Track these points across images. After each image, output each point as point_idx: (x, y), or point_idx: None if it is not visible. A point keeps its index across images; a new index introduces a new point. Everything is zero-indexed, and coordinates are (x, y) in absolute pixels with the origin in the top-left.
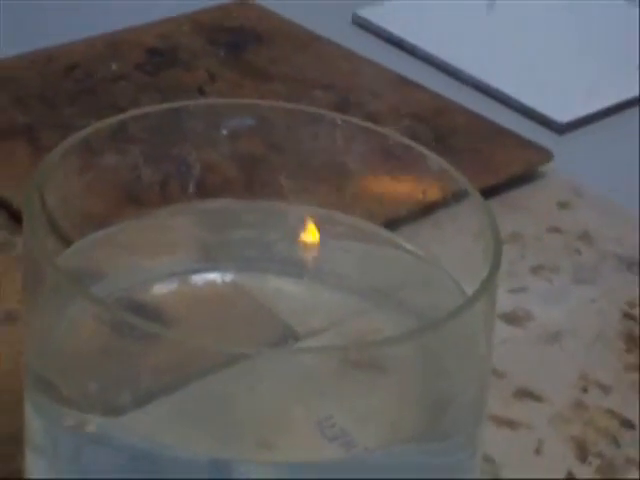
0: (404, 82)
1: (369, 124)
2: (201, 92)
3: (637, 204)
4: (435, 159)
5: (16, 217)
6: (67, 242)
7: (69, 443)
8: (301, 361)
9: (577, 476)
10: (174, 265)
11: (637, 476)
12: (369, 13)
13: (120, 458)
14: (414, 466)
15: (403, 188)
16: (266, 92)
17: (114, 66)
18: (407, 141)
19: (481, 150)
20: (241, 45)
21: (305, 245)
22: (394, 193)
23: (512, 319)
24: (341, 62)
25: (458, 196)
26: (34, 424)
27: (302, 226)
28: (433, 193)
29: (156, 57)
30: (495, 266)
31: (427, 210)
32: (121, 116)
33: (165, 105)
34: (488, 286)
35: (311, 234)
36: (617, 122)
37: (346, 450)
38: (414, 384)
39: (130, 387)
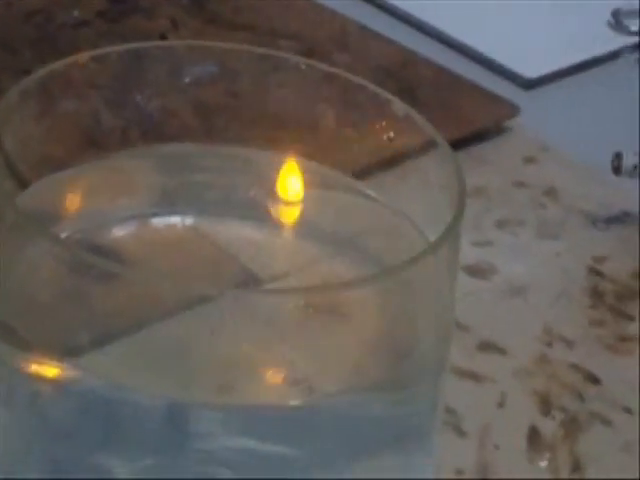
0: (370, 34)
1: (334, 69)
2: (163, 39)
3: (603, 161)
4: (402, 107)
5: None
6: (25, 184)
7: (27, 388)
8: (262, 303)
9: (540, 430)
10: (133, 208)
11: (601, 430)
12: None
13: (78, 401)
14: (374, 413)
15: (369, 136)
16: (230, 41)
17: (75, 12)
18: (374, 87)
19: (448, 103)
20: None
21: (267, 191)
22: (359, 141)
23: (476, 272)
24: (307, 13)
25: (425, 146)
26: None
27: (264, 172)
28: (400, 142)
29: (118, 4)
30: (459, 214)
31: (394, 159)
32: (78, 56)
33: (125, 46)
34: (451, 233)
35: (273, 180)
36: (585, 79)
37: (307, 395)
38: (375, 330)
39: (89, 329)
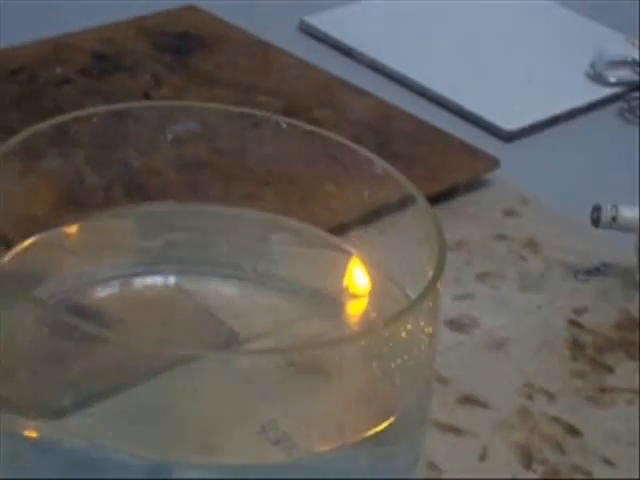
0: (350, 89)
1: (314, 127)
2: (147, 97)
3: (582, 212)
4: (381, 164)
5: None
6: (8, 244)
7: (8, 446)
8: (243, 363)
9: None
10: (116, 268)
11: None
12: (316, 20)
13: (60, 461)
14: (356, 470)
15: (348, 193)
16: (212, 97)
17: (59, 70)
18: (353, 145)
19: (427, 157)
20: (187, 50)
21: (248, 249)
22: (339, 198)
23: (458, 326)
24: (287, 68)
25: (404, 201)
26: None
27: (246, 231)
28: (379, 198)
29: (101, 62)
30: (439, 270)
31: (373, 215)
32: (62, 117)
33: (108, 106)
34: (430, 290)
35: (255, 239)
36: (563, 131)
37: (288, 454)
38: (357, 388)
39: (71, 390)
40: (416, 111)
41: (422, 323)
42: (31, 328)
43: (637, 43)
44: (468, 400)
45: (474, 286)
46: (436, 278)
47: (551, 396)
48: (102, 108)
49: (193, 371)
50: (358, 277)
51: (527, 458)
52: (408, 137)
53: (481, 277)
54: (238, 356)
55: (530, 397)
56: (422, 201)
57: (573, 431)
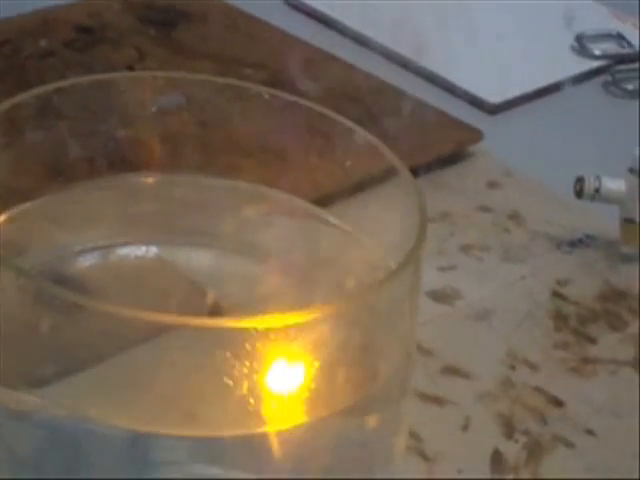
0: (335, 61)
1: (297, 98)
2: (131, 70)
3: (566, 184)
4: (364, 135)
5: None
6: None
7: None
8: (225, 332)
9: (504, 453)
10: (98, 239)
11: (564, 453)
12: None
13: (41, 432)
14: (338, 439)
15: (331, 165)
16: (196, 70)
17: (43, 43)
18: (336, 116)
19: (411, 129)
20: (171, 24)
21: (230, 220)
22: (322, 169)
23: (441, 297)
24: (272, 41)
25: (387, 173)
26: None
27: (229, 201)
28: (362, 169)
29: (85, 35)
30: (420, 238)
31: (356, 187)
32: (44, 87)
33: (91, 77)
34: (412, 259)
35: (238, 209)
36: (548, 103)
37: (270, 423)
38: (339, 357)
39: (53, 360)
40: (400, 84)
41: (404, 291)
42: (13, 297)
43: (622, 16)
44: (451, 370)
45: (458, 257)
46: (417, 246)
47: (534, 367)
48: (85, 79)
49: (175, 340)
50: (339, 248)
51: (509, 428)
52: (392, 109)
53: (465, 248)
54: (221, 324)
55: (513, 368)
56: (405, 172)
57: (556, 402)
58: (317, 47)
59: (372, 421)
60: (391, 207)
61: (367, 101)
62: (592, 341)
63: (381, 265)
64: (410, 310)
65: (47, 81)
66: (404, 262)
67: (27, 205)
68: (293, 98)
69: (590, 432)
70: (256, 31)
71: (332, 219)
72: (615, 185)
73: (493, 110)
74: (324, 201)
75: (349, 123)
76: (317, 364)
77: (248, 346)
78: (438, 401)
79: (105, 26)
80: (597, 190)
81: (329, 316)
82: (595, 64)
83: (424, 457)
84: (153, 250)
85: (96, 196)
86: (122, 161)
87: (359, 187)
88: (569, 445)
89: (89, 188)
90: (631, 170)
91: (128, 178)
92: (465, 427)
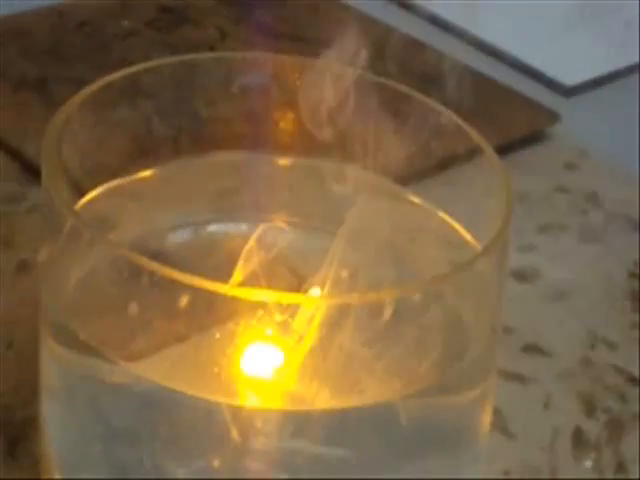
0: (412, 43)
1: (382, 79)
2: (212, 50)
3: None
4: (449, 115)
5: (28, 169)
6: (81, 192)
7: (84, 389)
8: (317, 309)
9: (585, 431)
10: (186, 216)
11: None
12: None
13: (136, 404)
14: (424, 416)
15: (415, 144)
16: (276, 51)
17: (125, 22)
18: (420, 97)
19: (488, 111)
20: (252, 4)
21: (315, 198)
22: (406, 149)
23: (521, 276)
24: (348, 22)
25: (471, 153)
26: (50, 370)
27: (312, 180)
28: (446, 149)
29: (167, 14)
30: (507, 219)
31: (440, 166)
32: (133, 68)
33: (178, 57)
34: (500, 238)
35: (327, 188)
36: (624, 86)
37: (359, 399)
38: (427, 336)
39: (145, 333)
40: (476, 65)
41: (491, 271)
42: (107, 272)
43: None
44: (532, 349)
45: (536, 238)
46: (505, 226)
47: (612, 346)
48: (173, 59)
49: (265, 318)
50: (424, 227)
51: (590, 406)
52: (468, 91)
53: (543, 229)
54: (311, 302)
55: (592, 347)
56: (490, 152)
57: (634, 380)
58: (393, 28)
59: (459, 399)
60: (476, 186)
61: (443, 82)
62: None
63: (464, 244)
64: (498, 289)
65: (130, 60)
66: (492, 241)
67: (115, 182)
68: (378, 79)
69: None
70: (333, 12)
71: (417, 198)
72: None
73: (569, 92)
74: (409, 180)
75: (434, 103)
76: (405, 342)
77: (338, 323)
78: (520, 379)
79: (186, 6)
80: None
81: (419, 294)
82: None
83: (506, 434)
84: (243, 228)
85: (182, 174)
86: (206, 140)
87: (444, 166)
88: None
89: (174, 166)
90: None
91: (213, 156)
92: (547, 405)
